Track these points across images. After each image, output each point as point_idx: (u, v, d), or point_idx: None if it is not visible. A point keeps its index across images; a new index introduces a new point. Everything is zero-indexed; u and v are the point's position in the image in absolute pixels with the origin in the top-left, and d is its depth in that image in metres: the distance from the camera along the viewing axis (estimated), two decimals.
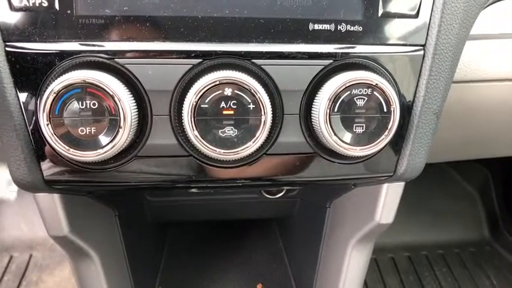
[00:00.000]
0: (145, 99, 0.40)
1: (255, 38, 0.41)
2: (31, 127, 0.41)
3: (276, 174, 0.45)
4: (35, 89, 0.40)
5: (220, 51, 0.41)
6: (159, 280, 0.62)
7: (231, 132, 0.40)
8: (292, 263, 0.77)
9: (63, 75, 0.38)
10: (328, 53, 0.42)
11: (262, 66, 0.41)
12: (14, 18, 0.39)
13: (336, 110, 0.41)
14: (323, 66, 0.42)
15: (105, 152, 0.39)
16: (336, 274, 0.60)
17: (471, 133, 0.83)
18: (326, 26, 0.42)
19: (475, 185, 1.58)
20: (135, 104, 0.39)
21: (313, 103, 0.43)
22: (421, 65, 0.45)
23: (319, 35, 0.42)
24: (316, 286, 0.67)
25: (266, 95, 0.40)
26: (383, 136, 0.42)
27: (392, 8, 0.43)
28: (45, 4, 0.39)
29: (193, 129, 0.39)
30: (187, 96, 0.39)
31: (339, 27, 0.42)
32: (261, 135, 0.40)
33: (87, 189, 0.47)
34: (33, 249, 1.25)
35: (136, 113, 0.40)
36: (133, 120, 0.39)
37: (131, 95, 0.39)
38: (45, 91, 0.38)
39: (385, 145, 0.43)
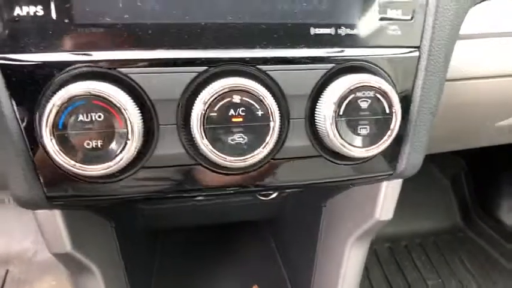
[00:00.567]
0: (150, 109, 0.40)
1: (258, 44, 0.41)
2: (30, 142, 0.39)
3: (283, 178, 0.45)
4: (33, 103, 0.38)
5: (225, 58, 0.40)
6: (153, 286, 0.61)
7: (241, 139, 0.40)
8: (287, 264, 0.77)
9: (65, 87, 0.36)
10: (331, 56, 0.43)
11: (268, 71, 0.41)
12: (6, 29, 0.37)
13: (341, 114, 0.42)
14: (326, 70, 0.43)
15: (115, 165, 0.38)
16: (335, 272, 0.61)
17: (450, 128, 0.87)
18: (327, 30, 0.43)
19: (447, 175, 1.65)
20: (140, 114, 0.39)
21: (317, 107, 0.43)
22: (417, 66, 0.46)
23: (320, 39, 0.43)
24: (314, 285, 0.68)
25: (273, 100, 0.40)
26: (386, 136, 0.43)
27: (389, 12, 0.44)
28: (40, 13, 0.37)
29: (203, 138, 0.39)
30: (195, 105, 0.39)
31: (339, 31, 0.43)
32: (271, 140, 0.40)
33: (91, 204, 0.45)
34: (10, 263, 1.19)
35: (142, 123, 0.39)
36: (140, 131, 0.38)
37: (136, 105, 0.38)
38: (46, 104, 0.36)
39: (388, 145, 0.44)
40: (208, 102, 0.39)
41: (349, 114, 0.42)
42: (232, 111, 0.39)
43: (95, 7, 0.38)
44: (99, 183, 0.41)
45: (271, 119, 0.40)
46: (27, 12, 0.37)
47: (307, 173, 0.46)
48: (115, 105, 0.37)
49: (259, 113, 0.40)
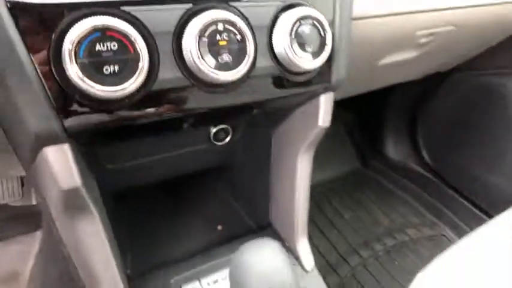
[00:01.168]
0: (151, 39, 0.48)
1: None
2: (46, 78, 0.44)
3: (256, 94, 0.57)
4: (47, 40, 0.43)
5: None
6: (123, 237, 0.66)
7: (227, 58, 0.50)
8: (245, 203, 0.88)
9: (84, 20, 0.43)
10: None
11: (238, 7, 0.53)
12: None
13: (293, 36, 0.56)
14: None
15: (129, 86, 0.45)
16: (289, 189, 0.73)
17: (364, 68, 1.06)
18: None
19: (342, 127, 1.94)
20: (145, 43, 0.47)
21: (273, 35, 0.56)
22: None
23: None
24: (273, 210, 0.80)
25: (247, 28, 0.52)
26: (325, 50, 0.58)
27: None
28: None
29: (199, 58, 0.49)
30: (187, 33, 0.48)
31: None
32: (249, 59, 0.52)
33: (106, 127, 0.50)
34: None
35: (147, 51, 0.47)
36: (147, 57, 0.46)
37: (141, 36, 0.46)
38: (64, 36, 0.42)
39: (326, 60, 0.59)
40: (200, 29, 0.48)
41: (299, 36, 0.56)
42: (218, 36, 0.50)
43: None
44: (112, 109, 0.47)
45: (246, 42, 0.52)
46: None
47: (273, 90, 0.59)
48: (126, 36, 0.44)
49: (238, 37, 0.51)
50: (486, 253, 0.70)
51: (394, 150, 1.81)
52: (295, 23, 0.55)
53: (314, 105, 0.68)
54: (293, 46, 0.56)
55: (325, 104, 0.68)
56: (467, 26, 0.97)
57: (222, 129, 0.80)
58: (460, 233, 1.49)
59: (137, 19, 0.47)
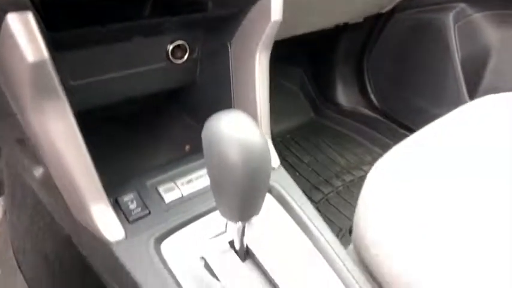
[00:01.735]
0: None
1: None
2: None
3: None
4: None
5: None
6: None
7: None
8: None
9: None
10: None
11: None
12: None
13: None
14: None
15: None
16: (250, 87, 0.75)
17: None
18: None
19: (294, 82, 1.99)
20: None
21: None
22: None
23: None
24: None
25: None
26: None
27: None
28: None
29: None
30: None
31: None
32: None
33: None
34: None
35: None
36: None
37: None
38: None
39: None
40: None
41: None
42: None
43: None
44: None
45: None
46: None
47: None
48: None
49: None
50: (444, 139, 0.76)
51: (345, 97, 1.89)
52: None
53: (265, 3, 0.70)
54: None
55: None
56: None
57: (179, 46, 0.80)
58: None
59: None
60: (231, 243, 0.62)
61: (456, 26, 1.44)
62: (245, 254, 0.62)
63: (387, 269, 0.64)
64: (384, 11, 1.53)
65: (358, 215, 0.72)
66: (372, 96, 1.82)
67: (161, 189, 0.65)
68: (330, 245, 0.64)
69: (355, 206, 0.72)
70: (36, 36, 0.47)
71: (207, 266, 0.59)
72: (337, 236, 0.82)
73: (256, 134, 0.47)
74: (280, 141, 1.74)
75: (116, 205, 0.61)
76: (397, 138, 1.71)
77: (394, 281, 0.63)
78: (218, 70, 0.83)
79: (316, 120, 1.91)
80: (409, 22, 1.57)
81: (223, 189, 0.49)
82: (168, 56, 0.80)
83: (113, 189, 0.62)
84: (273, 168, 0.75)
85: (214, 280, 0.58)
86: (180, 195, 0.65)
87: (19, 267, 1.02)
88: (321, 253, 0.65)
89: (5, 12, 0.44)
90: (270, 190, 0.71)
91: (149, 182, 0.67)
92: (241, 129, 0.46)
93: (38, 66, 0.48)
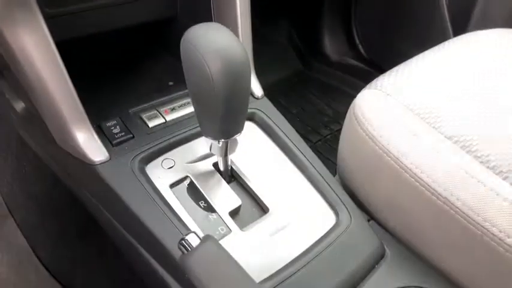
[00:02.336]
0: None
1: None
2: None
3: None
4: None
5: None
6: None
7: None
8: None
9: None
10: None
11: None
12: None
13: None
14: None
15: None
16: (232, 16, 0.73)
17: None
18: None
19: (281, 35, 1.97)
20: None
21: None
22: None
23: None
24: None
25: None
26: None
27: None
28: None
29: None
30: None
31: None
32: None
33: None
34: None
35: None
36: None
37: None
38: None
39: None
40: None
41: None
42: None
43: None
44: None
45: None
46: None
47: None
48: None
49: None
50: (429, 65, 0.77)
51: (332, 48, 1.87)
52: None
53: None
54: None
55: None
56: None
57: None
58: None
59: None
60: (216, 165, 0.62)
61: None
62: (230, 177, 0.64)
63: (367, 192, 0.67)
64: None
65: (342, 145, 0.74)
66: (360, 47, 1.81)
67: (144, 116, 0.66)
68: (316, 169, 0.66)
69: None
70: None
71: (192, 186, 0.60)
72: None
73: (234, 41, 0.46)
74: (267, 93, 1.73)
75: (99, 130, 0.61)
76: None
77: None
78: (198, 1, 0.81)
79: (304, 71, 1.90)
80: None
81: (205, 103, 0.49)
82: None
83: (96, 116, 0.62)
84: (257, 98, 0.75)
85: (199, 198, 0.59)
86: (164, 121, 0.65)
87: (10, 212, 1.03)
88: (305, 177, 0.66)
89: None
90: (253, 117, 0.71)
91: (132, 110, 0.67)
92: (219, 38, 0.46)
93: None
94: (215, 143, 0.55)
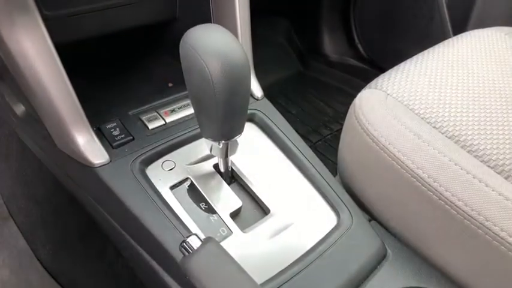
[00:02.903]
0: None
1: None
2: None
3: None
4: None
5: None
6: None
7: None
8: None
9: None
10: None
11: None
12: None
13: None
14: None
15: None
16: (231, 16, 0.73)
17: None
18: None
19: (281, 36, 1.96)
20: None
21: None
22: None
23: None
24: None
25: None
26: None
27: None
28: None
29: None
30: None
31: None
32: None
33: None
34: None
35: None
36: None
37: None
38: None
39: None
40: None
41: None
42: None
43: None
44: None
45: None
46: None
47: None
48: None
49: None
50: (428, 64, 0.77)
51: (332, 48, 1.87)
52: None
53: None
54: None
55: None
56: None
57: None
58: None
59: None
60: (216, 167, 0.62)
61: None
62: (230, 178, 0.63)
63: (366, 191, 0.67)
64: None
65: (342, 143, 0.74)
66: (359, 46, 1.81)
67: (144, 118, 0.65)
68: (316, 170, 0.65)
69: None
70: None
71: (193, 187, 0.60)
72: None
73: (233, 42, 0.46)
74: (267, 94, 1.73)
75: (99, 132, 0.61)
76: None
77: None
78: (198, 3, 0.81)
79: (303, 71, 1.90)
80: None
81: (204, 105, 0.49)
82: None
83: (96, 119, 0.62)
84: (257, 98, 0.75)
85: (200, 200, 0.59)
86: (164, 123, 0.65)
87: (10, 214, 1.03)
88: (306, 178, 0.66)
89: None
90: (253, 118, 0.71)
91: (131, 112, 0.66)
92: (218, 39, 0.46)
93: None
94: (215, 144, 0.54)
